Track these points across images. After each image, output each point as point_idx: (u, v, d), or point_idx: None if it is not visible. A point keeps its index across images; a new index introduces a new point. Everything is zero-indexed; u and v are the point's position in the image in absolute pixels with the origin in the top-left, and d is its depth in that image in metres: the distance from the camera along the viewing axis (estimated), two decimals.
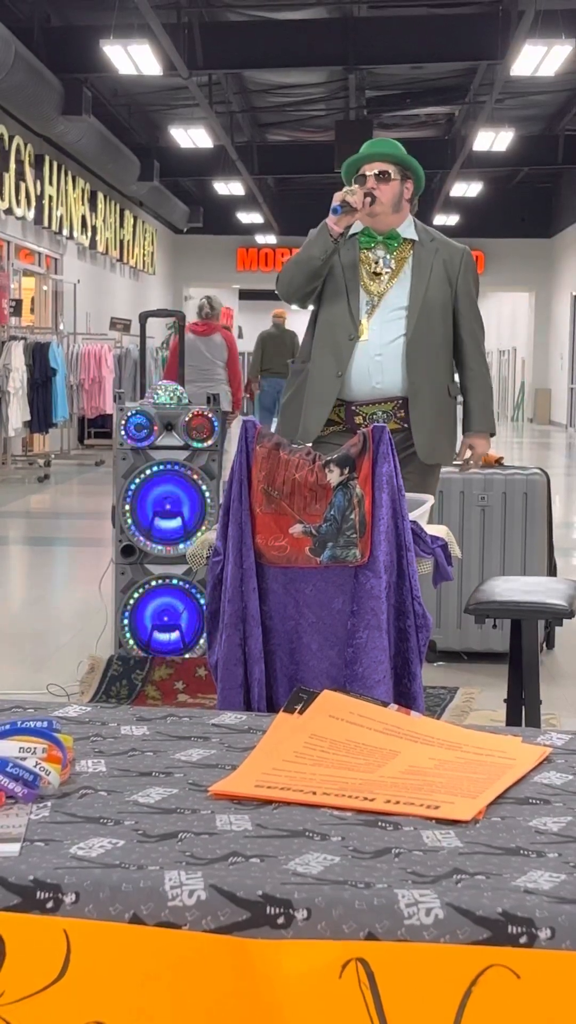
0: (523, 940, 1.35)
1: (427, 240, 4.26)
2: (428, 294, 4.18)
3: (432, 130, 21.96)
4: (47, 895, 1.41)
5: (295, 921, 1.38)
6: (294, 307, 4.66)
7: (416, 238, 4.24)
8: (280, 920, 1.38)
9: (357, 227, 4.19)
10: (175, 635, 4.88)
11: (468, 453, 4.41)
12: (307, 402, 4.18)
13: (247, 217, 26.50)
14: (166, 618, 4.89)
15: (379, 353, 4.13)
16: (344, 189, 4.08)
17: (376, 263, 4.19)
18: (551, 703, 4.60)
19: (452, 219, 27.53)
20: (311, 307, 4.33)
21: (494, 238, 29.31)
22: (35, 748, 1.72)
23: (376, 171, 4.15)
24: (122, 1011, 1.37)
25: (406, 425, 4.15)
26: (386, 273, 4.18)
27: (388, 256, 4.20)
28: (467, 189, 23.83)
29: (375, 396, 4.15)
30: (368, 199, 4.09)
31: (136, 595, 4.87)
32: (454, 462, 4.43)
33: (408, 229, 4.25)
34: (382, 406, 4.15)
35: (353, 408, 4.16)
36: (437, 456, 4.30)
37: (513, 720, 3.83)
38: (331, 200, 4.07)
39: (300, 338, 4.75)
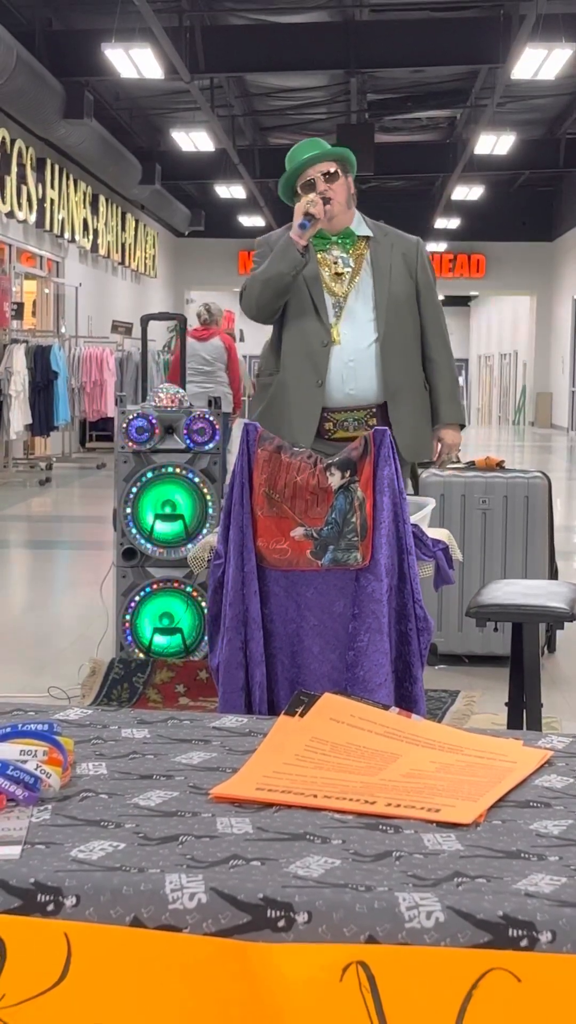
0: (524, 943, 1.34)
1: (381, 236, 4.18)
2: (392, 289, 4.10)
3: (433, 134, 21.98)
4: (48, 898, 1.41)
5: (296, 924, 1.38)
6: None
7: (371, 234, 4.16)
8: (281, 923, 1.38)
9: None
10: (176, 638, 4.88)
11: (439, 447, 4.28)
12: (289, 415, 4.06)
13: (249, 220, 26.51)
14: (167, 621, 4.89)
15: (352, 359, 4.06)
16: (304, 200, 4.00)
17: (335, 263, 4.11)
18: (552, 707, 4.59)
19: (453, 223, 27.55)
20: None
21: (495, 241, 29.33)
22: (36, 751, 1.72)
23: (323, 172, 4.06)
24: (123, 1014, 1.37)
25: None
26: (347, 272, 4.11)
27: (346, 255, 4.13)
28: (468, 193, 23.85)
29: (349, 403, 4.07)
30: (326, 205, 4.01)
31: (137, 598, 4.87)
32: (428, 460, 4.30)
33: (360, 226, 4.17)
34: (354, 413, 4.08)
35: (324, 415, 4.07)
36: (422, 453, 4.24)
37: (514, 724, 3.83)
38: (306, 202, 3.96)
39: None
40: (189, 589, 4.86)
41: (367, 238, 4.16)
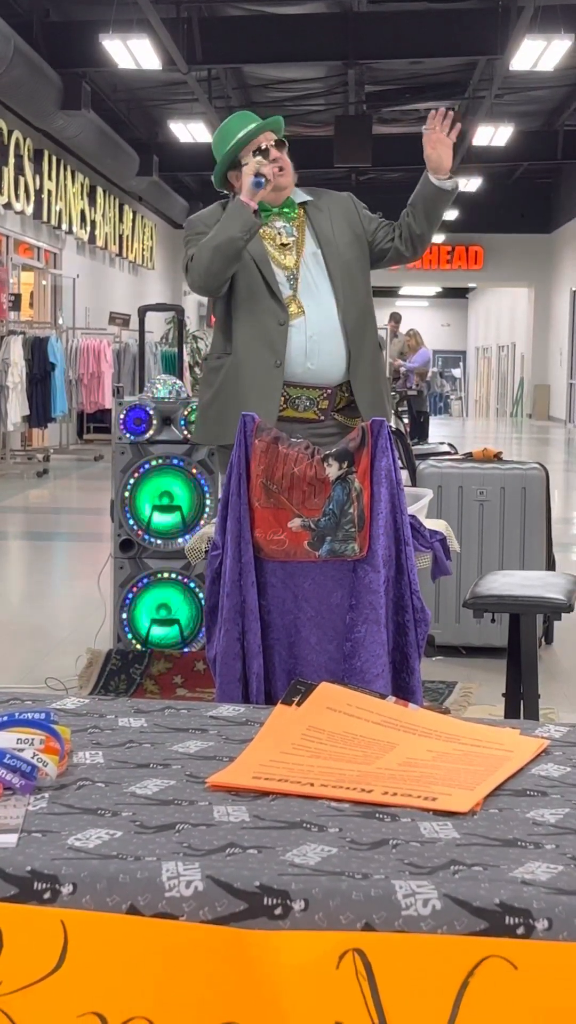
0: (520, 931, 1.35)
1: (316, 198, 4.03)
2: (341, 253, 3.93)
3: None
4: (44, 886, 1.42)
5: (292, 912, 1.38)
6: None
7: (308, 198, 4.01)
8: (277, 911, 1.38)
9: None
10: (174, 629, 4.88)
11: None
12: (246, 398, 3.81)
13: None
14: (164, 612, 4.89)
15: (314, 333, 3.85)
16: (255, 161, 3.83)
17: (279, 234, 3.95)
18: (549, 698, 4.60)
19: (451, 214, 27.48)
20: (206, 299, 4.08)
21: (493, 233, 29.31)
22: (33, 739, 1.72)
23: (275, 141, 3.93)
24: (119, 1001, 1.37)
25: (322, 417, 3.86)
26: (291, 242, 3.94)
27: (288, 225, 3.97)
28: (466, 184, 23.80)
29: (307, 379, 3.85)
30: (278, 169, 3.88)
31: (135, 589, 4.87)
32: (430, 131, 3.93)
33: (299, 194, 4.02)
34: (308, 392, 3.85)
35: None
36: (380, 412, 4.08)
37: (511, 715, 3.83)
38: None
39: None
40: (187, 581, 4.86)
41: (304, 204, 4.00)
